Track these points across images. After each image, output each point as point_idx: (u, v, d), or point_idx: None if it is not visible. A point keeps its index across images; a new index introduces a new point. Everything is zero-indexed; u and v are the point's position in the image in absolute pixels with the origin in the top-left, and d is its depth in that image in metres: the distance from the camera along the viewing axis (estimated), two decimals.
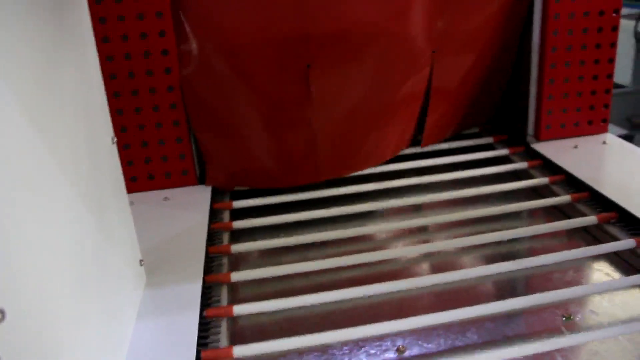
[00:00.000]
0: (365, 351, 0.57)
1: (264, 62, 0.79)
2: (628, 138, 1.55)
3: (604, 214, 0.73)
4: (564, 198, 0.79)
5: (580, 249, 0.68)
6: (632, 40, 2.21)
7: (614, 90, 0.96)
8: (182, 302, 0.60)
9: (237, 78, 0.79)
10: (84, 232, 0.47)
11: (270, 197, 0.84)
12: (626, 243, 0.67)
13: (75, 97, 0.49)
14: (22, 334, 0.34)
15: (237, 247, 0.72)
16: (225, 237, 0.76)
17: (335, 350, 0.57)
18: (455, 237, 0.74)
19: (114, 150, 0.59)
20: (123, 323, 0.55)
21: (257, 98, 0.80)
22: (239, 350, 0.54)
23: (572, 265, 0.69)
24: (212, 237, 0.75)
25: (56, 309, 0.40)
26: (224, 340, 0.58)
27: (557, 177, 0.84)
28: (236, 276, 0.66)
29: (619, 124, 2.27)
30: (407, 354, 0.57)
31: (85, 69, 0.53)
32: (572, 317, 0.60)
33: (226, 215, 0.82)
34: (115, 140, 0.59)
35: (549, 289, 0.60)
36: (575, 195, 0.79)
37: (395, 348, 0.57)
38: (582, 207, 0.78)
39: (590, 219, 0.73)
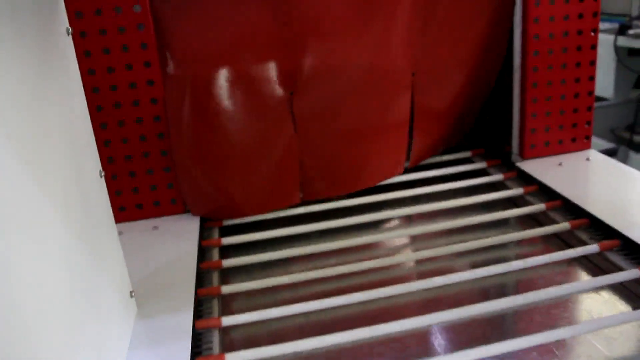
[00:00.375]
0: None
1: (248, 91, 0.80)
2: (611, 152, 1.57)
3: (606, 242, 0.72)
4: (563, 225, 0.78)
5: (582, 282, 0.69)
6: (613, 54, 2.24)
7: (597, 104, 0.97)
8: (173, 333, 0.60)
9: (220, 107, 0.79)
10: (74, 266, 0.47)
11: (259, 232, 0.83)
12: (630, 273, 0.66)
13: (62, 132, 0.49)
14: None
15: (227, 289, 0.70)
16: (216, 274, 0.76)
17: None
18: (449, 270, 0.71)
19: (102, 184, 0.59)
20: (114, 355, 0.55)
21: (240, 126, 0.81)
22: None
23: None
24: (201, 275, 0.74)
25: (46, 343, 0.40)
26: None
27: (553, 203, 0.83)
28: (227, 320, 0.64)
29: (602, 136, 2.30)
30: None
31: (71, 104, 0.53)
32: None
33: (215, 252, 0.81)
34: (103, 174, 0.59)
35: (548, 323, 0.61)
36: (575, 222, 0.77)
37: None
38: (582, 234, 0.77)
39: (593, 247, 0.71)
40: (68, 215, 0.47)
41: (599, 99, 2.52)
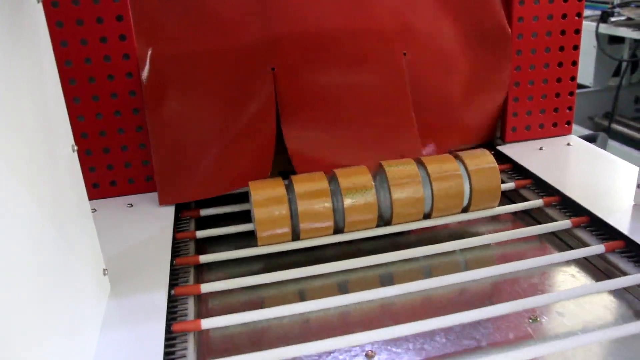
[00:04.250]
0: (334, 357, 0.57)
1: (228, 67, 0.78)
2: (591, 138, 1.58)
3: (611, 243, 0.68)
4: (563, 222, 0.74)
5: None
6: (594, 41, 2.25)
7: (577, 91, 0.97)
8: (147, 312, 0.59)
9: (200, 85, 0.78)
10: (43, 244, 0.45)
11: (236, 204, 0.82)
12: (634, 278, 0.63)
13: (32, 105, 0.47)
14: None
15: (206, 287, 0.66)
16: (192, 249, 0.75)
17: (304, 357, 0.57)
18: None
19: (74, 159, 0.57)
20: (87, 334, 0.53)
21: (221, 104, 0.79)
22: None
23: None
24: (178, 247, 0.73)
25: (14, 324, 0.38)
26: (191, 353, 0.57)
27: (551, 199, 0.80)
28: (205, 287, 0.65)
29: (580, 123, 2.31)
30: (376, 358, 0.56)
31: (43, 76, 0.51)
32: (538, 319, 0.60)
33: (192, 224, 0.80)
34: (76, 148, 0.57)
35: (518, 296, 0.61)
36: (575, 219, 0.74)
37: (364, 353, 0.57)
38: (582, 234, 0.73)
39: (598, 248, 0.68)
40: (38, 190, 0.46)
41: (579, 86, 2.54)
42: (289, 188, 0.71)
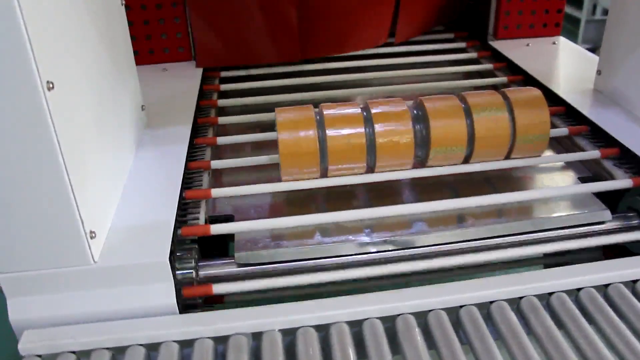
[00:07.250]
0: None
1: None
2: (593, 49, 1.67)
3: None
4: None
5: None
6: None
7: None
8: (174, 139, 0.74)
9: None
10: (105, 74, 0.60)
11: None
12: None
13: None
14: (68, 102, 0.48)
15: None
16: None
17: None
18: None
19: (122, 11, 0.71)
20: (128, 150, 0.69)
21: None
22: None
23: None
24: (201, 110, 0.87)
25: (84, 135, 0.52)
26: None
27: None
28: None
29: None
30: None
31: None
32: None
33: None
34: (124, 2, 0.71)
35: None
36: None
37: None
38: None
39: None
40: (101, 31, 0.60)
41: None
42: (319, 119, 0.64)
